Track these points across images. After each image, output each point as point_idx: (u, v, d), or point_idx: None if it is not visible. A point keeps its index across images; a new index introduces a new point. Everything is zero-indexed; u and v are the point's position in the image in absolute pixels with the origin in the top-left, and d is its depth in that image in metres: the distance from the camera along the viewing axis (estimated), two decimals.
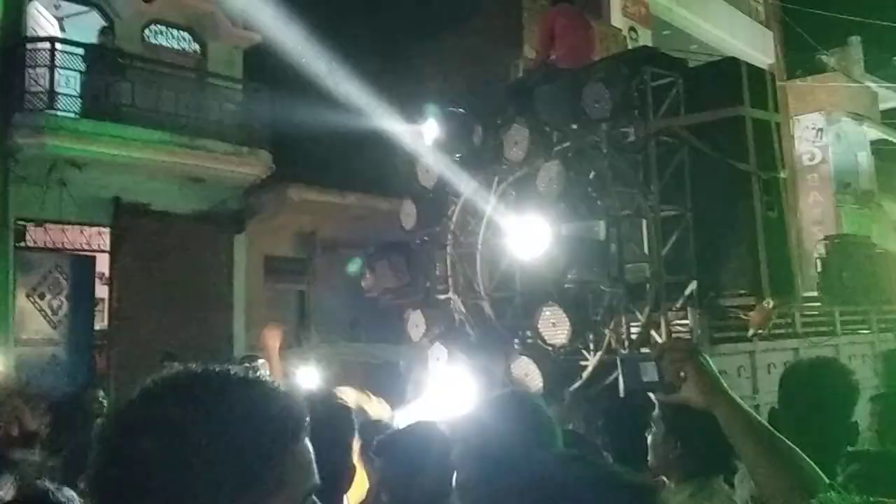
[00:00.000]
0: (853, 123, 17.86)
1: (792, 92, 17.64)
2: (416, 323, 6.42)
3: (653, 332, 5.43)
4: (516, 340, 6.16)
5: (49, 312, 10.67)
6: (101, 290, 11.38)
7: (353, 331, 11.45)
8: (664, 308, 5.49)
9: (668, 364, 1.61)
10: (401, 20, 13.99)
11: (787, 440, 1.54)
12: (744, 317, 5.69)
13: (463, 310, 6.67)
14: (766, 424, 1.60)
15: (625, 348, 5.45)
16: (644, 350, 5.12)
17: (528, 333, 6.27)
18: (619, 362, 1.79)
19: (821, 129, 17.54)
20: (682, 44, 14.83)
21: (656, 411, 2.13)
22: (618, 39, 13.40)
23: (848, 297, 7.10)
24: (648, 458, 2.20)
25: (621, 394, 1.89)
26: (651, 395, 1.84)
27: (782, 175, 6.02)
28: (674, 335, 5.22)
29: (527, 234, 5.42)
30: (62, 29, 10.99)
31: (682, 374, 1.59)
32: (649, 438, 2.19)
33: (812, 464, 1.50)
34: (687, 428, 2.02)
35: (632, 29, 14.69)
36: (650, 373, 1.64)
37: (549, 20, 6.72)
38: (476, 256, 6.71)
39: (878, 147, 19.00)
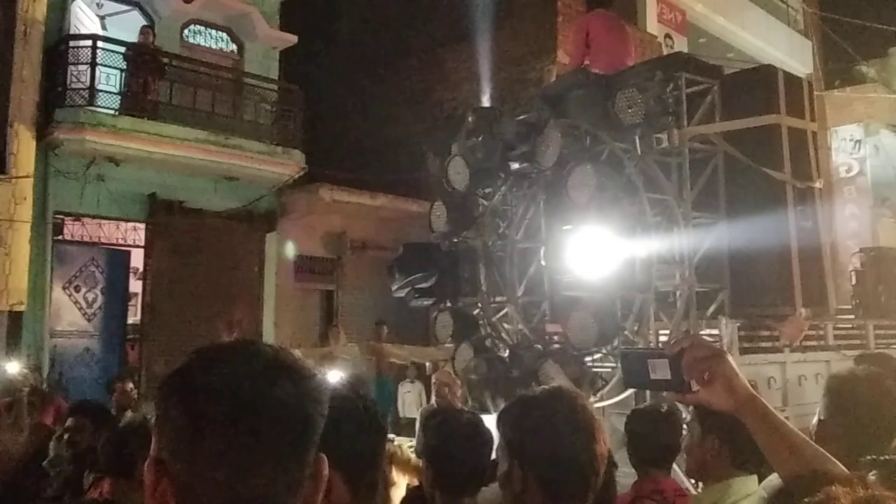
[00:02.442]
0: (892, 136, 17.53)
1: (830, 102, 17.37)
2: (443, 324, 6.44)
3: None
4: (540, 345, 6.15)
5: (84, 305, 10.89)
6: (135, 285, 11.58)
7: (379, 330, 11.52)
8: (694, 316, 5.45)
9: (692, 363, 1.55)
10: (435, 24, 14.06)
11: (821, 448, 1.51)
12: (775, 328, 5.63)
13: (491, 312, 6.68)
14: (797, 431, 1.56)
15: None
16: (652, 346, 5.07)
17: (556, 338, 6.26)
18: (620, 357, 1.74)
19: (859, 141, 17.26)
20: (719, 52, 14.70)
21: (690, 414, 2.12)
22: (653, 46, 13.32)
23: (883, 311, 6.98)
24: (686, 462, 2.18)
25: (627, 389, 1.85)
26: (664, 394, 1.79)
27: (818, 185, 5.93)
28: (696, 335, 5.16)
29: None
30: (104, 27, 11.21)
31: (705, 375, 1.51)
32: (684, 442, 2.17)
33: (844, 469, 1.47)
34: (725, 427, 1.98)
35: (667, 36, 14.60)
36: (660, 370, 1.57)
37: (585, 25, 6.70)
38: (505, 260, 6.72)
39: None
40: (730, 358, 1.55)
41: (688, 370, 1.52)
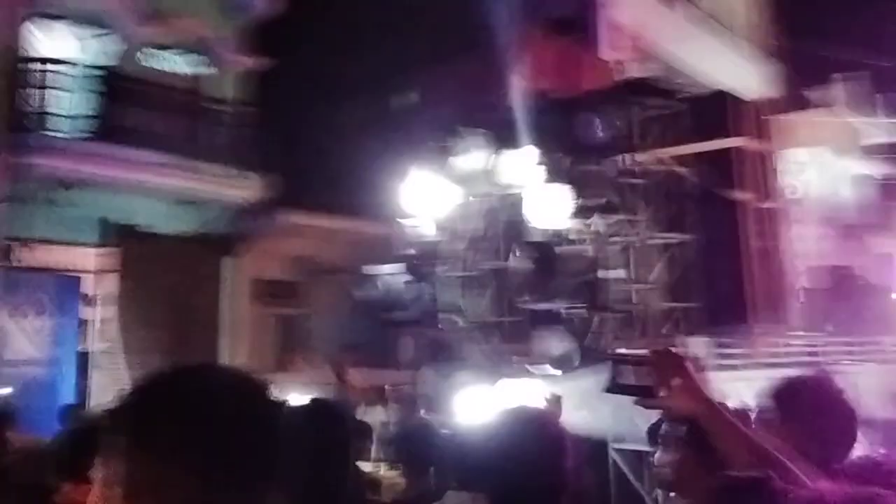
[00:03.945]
0: (835, 158, 18.14)
1: (776, 127, 17.93)
2: (408, 346, 6.43)
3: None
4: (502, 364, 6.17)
5: (33, 333, 10.56)
6: (87, 311, 11.28)
7: (343, 355, 11.40)
8: (655, 333, 5.54)
9: (656, 371, 1.63)
10: (399, 52, 14.16)
11: (776, 450, 1.57)
12: (738, 345, 5.75)
13: (455, 333, 6.69)
14: (754, 434, 1.63)
15: None
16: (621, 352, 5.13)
17: (518, 357, 6.30)
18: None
19: (803, 164, 17.80)
20: (671, 78, 15.06)
21: (664, 427, 2.16)
22: (608, 72, 13.61)
23: (834, 328, 7.19)
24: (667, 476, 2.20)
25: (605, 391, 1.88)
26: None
27: (773, 205, 6.12)
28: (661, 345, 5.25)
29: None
30: (58, 49, 11.02)
31: (670, 381, 1.60)
32: (659, 456, 2.20)
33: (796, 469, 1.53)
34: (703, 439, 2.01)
35: (622, 62, 14.93)
36: (627, 377, 1.66)
37: (544, 52, 6.84)
38: (468, 281, 6.75)
39: (860, 181, 19.28)
40: (690, 366, 1.64)
41: (652, 376, 1.60)
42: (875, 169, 19.99)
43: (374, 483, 2.93)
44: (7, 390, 6.75)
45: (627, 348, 5.57)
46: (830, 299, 7.52)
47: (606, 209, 5.74)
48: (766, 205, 6.08)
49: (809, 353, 6.63)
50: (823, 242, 17.00)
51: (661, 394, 1.62)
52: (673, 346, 5.40)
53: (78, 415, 4.40)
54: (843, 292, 7.72)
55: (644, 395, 1.66)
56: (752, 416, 2.58)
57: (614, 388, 1.69)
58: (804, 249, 16.67)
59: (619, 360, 1.71)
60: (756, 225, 5.85)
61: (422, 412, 5.74)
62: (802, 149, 17.57)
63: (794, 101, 19.45)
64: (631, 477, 5.06)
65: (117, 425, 0.92)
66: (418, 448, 2.37)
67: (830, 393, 2.13)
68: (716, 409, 1.61)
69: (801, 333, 7.12)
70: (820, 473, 1.58)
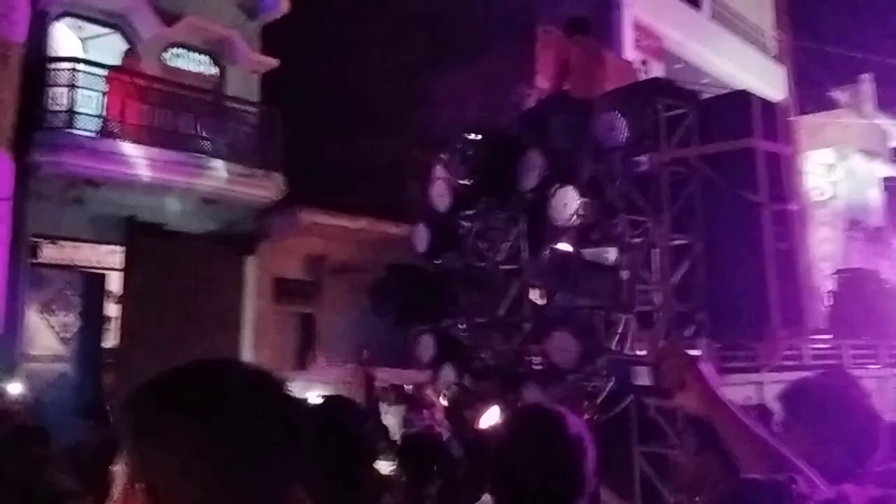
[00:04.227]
0: (863, 160, 17.90)
1: (803, 128, 17.71)
2: (425, 346, 6.44)
3: None
4: (522, 367, 6.17)
5: (59, 329, 10.74)
6: (112, 309, 11.44)
7: (361, 353, 11.47)
8: (674, 337, 5.50)
9: (668, 370, 1.63)
10: (417, 50, 14.20)
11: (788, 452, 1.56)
12: (753, 348, 5.70)
13: (472, 334, 6.69)
14: (766, 435, 1.61)
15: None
16: (638, 353, 5.12)
17: (537, 359, 6.28)
18: (608, 364, 1.82)
19: (831, 166, 17.57)
20: (694, 77, 14.96)
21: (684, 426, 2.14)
22: (630, 72, 13.54)
23: (857, 331, 7.11)
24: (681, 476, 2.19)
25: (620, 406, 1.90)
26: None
27: (793, 207, 6.05)
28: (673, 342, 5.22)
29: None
30: (84, 50, 11.19)
31: (681, 380, 1.60)
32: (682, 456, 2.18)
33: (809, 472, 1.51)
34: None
35: (644, 62, 14.85)
36: (643, 377, 1.67)
37: (564, 51, 6.82)
38: (486, 281, 6.74)
39: (888, 184, 19.01)
40: (703, 365, 1.63)
41: (665, 376, 1.61)
42: None
43: (387, 483, 2.94)
44: (18, 386, 6.83)
45: (645, 350, 5.53)
46: (855, 303, 7.42)
47: (627, 210, 5.71)
48: (789, 207, 6.00)
49: (832, 357, 6.55)
50: (849, 245, 16.77)
51: (674, 394, 1.62)
52: (688, 346, 5.36)
53: (99, 418, 4.46)
54: (868, 296, 7.61)
55: (658, 395, 1.67)
56: (774, 418, 2.54)
57: (629, 388, 1.70)
58: (829, 252, 16.48)
59: (634, 362, 1.72)
60: (779, 227, 5.77)
61: (437, 414, 5.74)
62: (829, 150, 17.37)
63: (821, 101, 19.25)
64: (656, 480, 5.03)
65: (135, 421, 0.92)
66: (425, 454, 2.36)
67: (848, 394, 2.10)
68: (728, 410, 1.59)
69: (824, 337, 7.04)
70: (842, 477, 1.56)
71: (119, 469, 0.91)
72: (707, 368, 1.64)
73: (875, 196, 18.36)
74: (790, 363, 5.99)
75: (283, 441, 0.92)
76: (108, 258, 11.31)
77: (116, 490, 0.90)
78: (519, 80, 11.95)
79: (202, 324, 11.08)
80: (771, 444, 1.57)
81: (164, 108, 10.85)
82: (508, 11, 13.52)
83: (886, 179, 18.96)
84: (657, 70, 14.95)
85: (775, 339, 5.43)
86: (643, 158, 5.85)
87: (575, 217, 5.42)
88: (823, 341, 6.86)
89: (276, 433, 0.92)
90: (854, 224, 17.41)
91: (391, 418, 10.42)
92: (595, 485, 1.76)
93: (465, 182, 6.40)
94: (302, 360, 11.71)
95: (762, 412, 2.71)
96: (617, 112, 5.55)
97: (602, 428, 4.96)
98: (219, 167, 11.03)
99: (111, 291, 11.46)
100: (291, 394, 0.98)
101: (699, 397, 1.59)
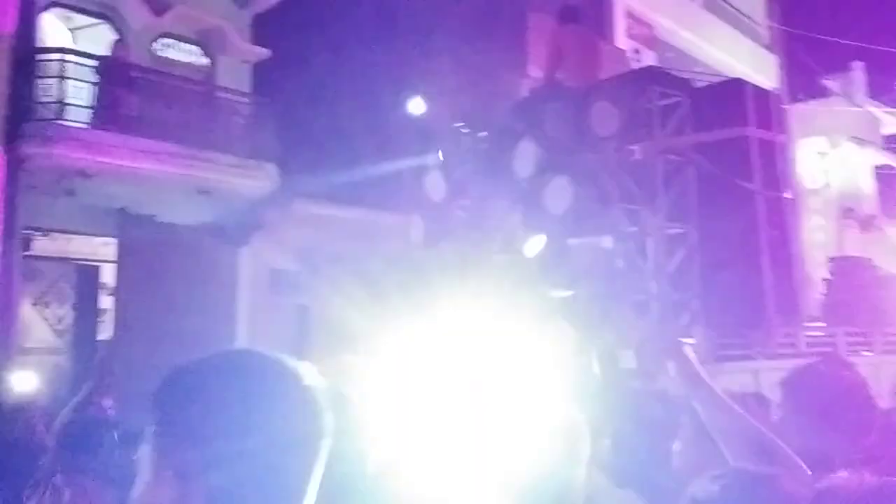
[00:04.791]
0: (856, 148, 17.95)
1: (795, 116, 17.74)
2: None
3: None
4: None
5: (53, 322, 10.71)
6: (105, 301, 11.41)
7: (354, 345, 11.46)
8: (668, 324, 5.52)
9: (653, 353, 1.64)
10: (409, 39, 14.13)
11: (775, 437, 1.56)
12: (748, 336, 5.72)
13: None
14: (750, 419, 1.61)
15: None
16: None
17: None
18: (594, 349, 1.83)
19: (823, 154, 17.62)
20: (686, 66, 14.94)
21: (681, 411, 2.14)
22: (622, 60, 13.51)
23: (852, 319, 7.13)
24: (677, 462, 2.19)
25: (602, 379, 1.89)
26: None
27: (787, 195, 6.06)
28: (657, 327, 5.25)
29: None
30: (74, 40, 11.10)
31: (666, 364, 1.61)
32: (677, 443, 2.18)
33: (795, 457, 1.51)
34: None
35: (636, 50, 14.83)
36: (627, 360, 1.69)
37: (557, 40, 6.79)
38: (481, 270, 6.74)
39: (880, 172, 19.07)
40: (686, 349, 1.64)
41: (649, 360, 1.63)
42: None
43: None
44: (27, 376, 6.80)
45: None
46: (848, 291, 7.45)
47: (622, 199, 5.71)
48: (783, 195, 6.02)
49: (826, 344, 6.58)
50: (842, 233, 16.84)
51: (654, 375, 1.64)
52: (683, 334, 5.38)
53: (85, 407, 4.43)
54: (861, 283, 7.64)
55: (642, 377, 1.68)
56: (769, 405, 2.55)
57: (613, 372, 1.71)
58: (822, 240, 16.55)
59: (617, 346, 1.74)
60: (772, 215, 5.79)
61: None
62: (821, 138, 17.41)
63: (813, 89, 19.28)
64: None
65: (162, 410, 0.93)
66: None
67: (843, 380, 2.11)
68: (715, 395, 1.60)
69: (818, 324, 7.06)
70: (837, 463, 1.56)
71: (145, 456, 0.92)
72: (688, 350, 1.64)
73: (867, 184, 18.42)
74: (785, 351, 6.01)
75: (306, 426, 0.94)
76: (102, 250, 11.27)
77: (143, 477, 0.92)
78: (512, 70, 11.92)
79: (196, 316, 11.04)
80: (762, 430, 1.57)
81: (155, 99, 10.78)
82: (501, 0, 13.46)
83: (879, 167, 19.03)
84: (650, 58, 14.93)
85: (770, 326, 5.45)
86: (637, 147, 5.85)
87: (570, 206, 5.42)
88: (818, 329, 6.88)
89: (299, 419, 0.94)
90: (847, 212, 17.48)
91: None
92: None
93: (460, 172, 6.39)
94: (299, 352, 11.70)
95: (759, 400, 2.71)
96: (611, 101, 5.55)
97: None
98: (211, 158, 10.97)
99: (105, 283, 11.42)
100: (310, 380, 1.00)
101: (683, 380, 1.60)
